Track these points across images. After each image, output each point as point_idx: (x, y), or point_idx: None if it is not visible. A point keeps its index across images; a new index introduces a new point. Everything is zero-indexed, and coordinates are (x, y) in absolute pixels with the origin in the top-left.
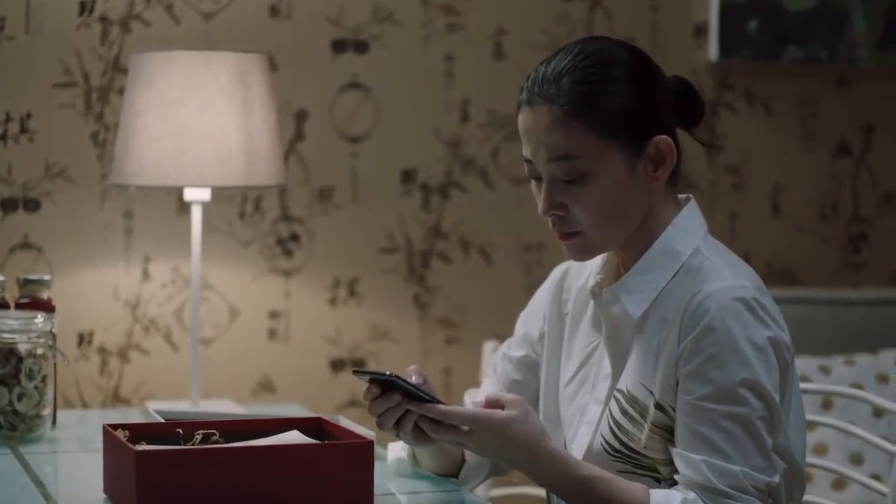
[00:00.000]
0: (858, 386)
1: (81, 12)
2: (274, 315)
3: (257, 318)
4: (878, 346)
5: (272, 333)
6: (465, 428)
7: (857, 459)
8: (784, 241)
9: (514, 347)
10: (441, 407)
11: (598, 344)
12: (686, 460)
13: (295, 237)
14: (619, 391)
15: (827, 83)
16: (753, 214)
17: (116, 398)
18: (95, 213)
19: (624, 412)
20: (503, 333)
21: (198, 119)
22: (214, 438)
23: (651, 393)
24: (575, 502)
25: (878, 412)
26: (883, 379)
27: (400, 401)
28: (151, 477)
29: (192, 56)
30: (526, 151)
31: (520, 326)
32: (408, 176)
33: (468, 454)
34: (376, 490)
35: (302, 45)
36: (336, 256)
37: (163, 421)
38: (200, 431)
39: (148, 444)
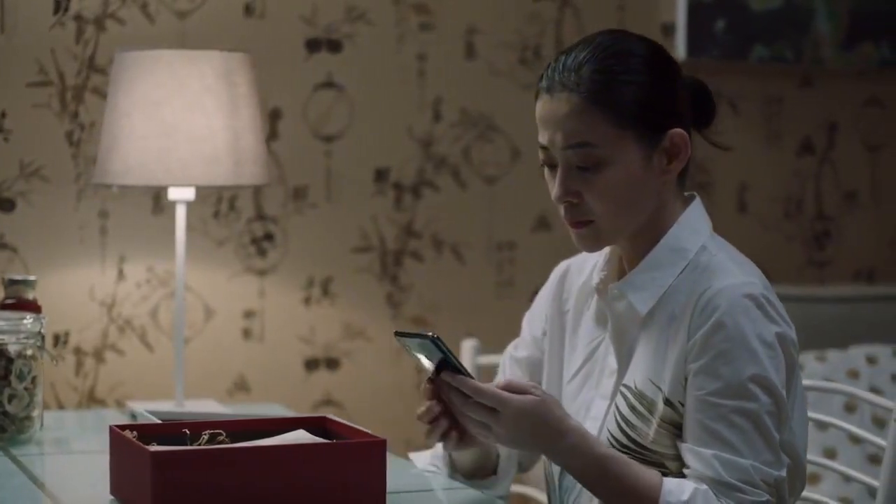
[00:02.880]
0: (830, 381)
1: (56, 11)
2: (249, 314)
3: (232, 317)
4: (846, 343)
5: (247, 333)
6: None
7: (830, 453)
8: (750, 238)
9: (520, 348)
10: (474, 382)
11: (602, 340)
12: (696, 455)
13: (269, 236)
14: (626, 387)
15: (792, 82)
16: (720, 212)
17: (92, 399)
18: (71, 212)
19: (632, 408)
20: (476, 332)
21: (184, 118)
22: (221, 438)
23: (659, 389)
24: (590, 481)
25: (849, 407)
26: (854, 374)
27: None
28: (167, 478)
29: (178, 55)
30: (542, 138)
31: (524, 327)
32: (381, 175)
33: (501, 449)
34: (388, 488)
35: (276, 44)
36: (310, 256)
37: (158, 421)
38: (207, 431)
39: (158, 444)
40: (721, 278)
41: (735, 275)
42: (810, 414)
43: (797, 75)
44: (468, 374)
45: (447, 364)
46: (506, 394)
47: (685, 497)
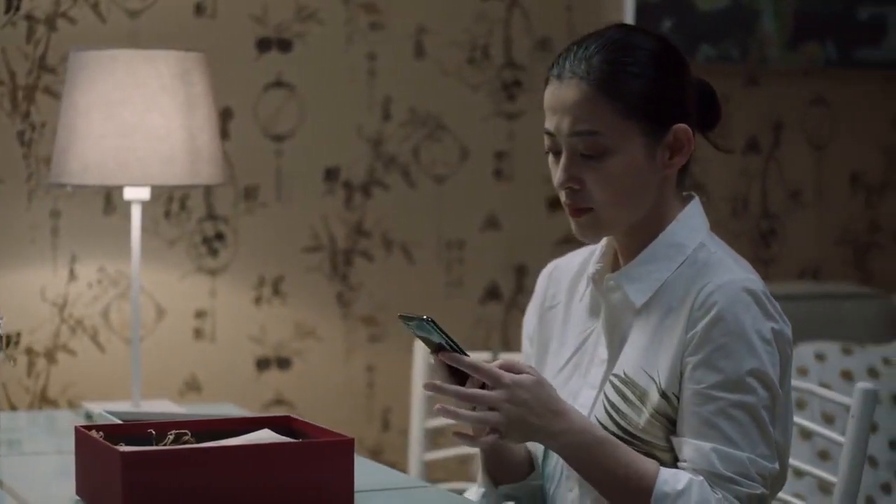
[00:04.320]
0: None
1: (7, 10)
2: (200, 314)
3: (183, 317)
4: (793, 340)
5: (198, 333)
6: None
7: None
8: None
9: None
10: (470, 359)
11: (594, 330)
12: (694, 447)
13: (220, 236)
14: (616, 376)
15: (738, 82)
16: None
17: (44, 400)
18: (22, 212)
19: (622, 396)
20: None
21: (141, 118)
22: (186, 438)
23: (653, 379)
24: (584, 463)
25: (800, 403)
26: (803, 371)
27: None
28: (138, 478)
29: (135, 55)
30: (549, 124)
31: (523, 337)
32: (331, 174)
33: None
34: (356, 487)
35: (227, 43)
36: (261, 255)
37: (118, 422)
38: (173, 432)
39: (125, 445)
40: (721, 274)
41: (734, 271)
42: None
43: (743, 75)
44: (465, 354)
45: (445, 346)
46: (502, 371)
47: (680, 486)
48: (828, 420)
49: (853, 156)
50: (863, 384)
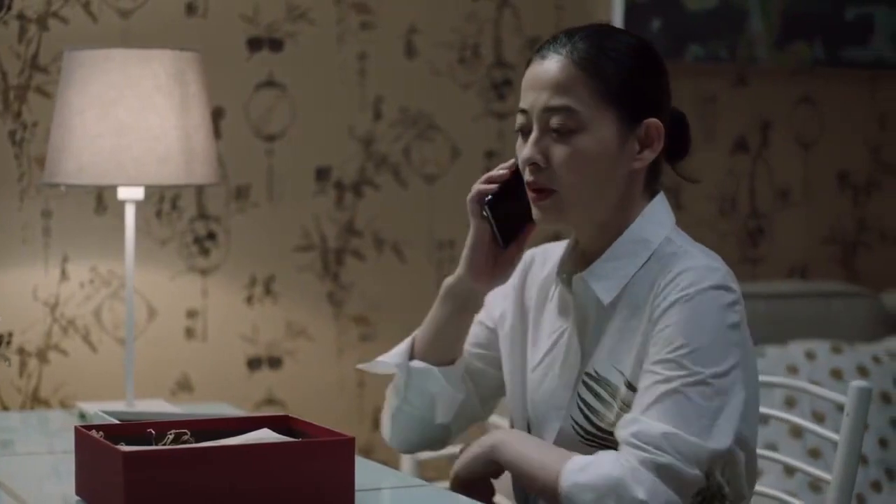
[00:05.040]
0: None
1: None
2: (191, 314)
3: (175, 317)
4: (781, 339)
5: (189, 332)
6: None
7: (771, 448)
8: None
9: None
10: None
11: (566, 330)
12: (623, 419)
13: (212, 236)
14: (588, 374)
15: (726, 81)
16: None
17: (36, 400)
18: (14, 212)
19: (596, 395)
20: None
21: (137, 118)
22: (186, 438)
23: (622, 374)
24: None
25: (789, 402)
26: (793, 370)
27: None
28: (141, 478)
29: (130, 54)
30: (524, 102)
31: (486, 302)
32: (322, 174)
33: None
34: (357, 486)
35: (218, 42)
36: (252, 255)
37: (116, 422)
38: (172, 431)
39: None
40: (684, 262)
41: (698, 259)
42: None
43: (732, 74)
44: None
45: None
46: None
47: (590, 459)
48: (818, 418)
49: (841, 155)
50: (857, 382)
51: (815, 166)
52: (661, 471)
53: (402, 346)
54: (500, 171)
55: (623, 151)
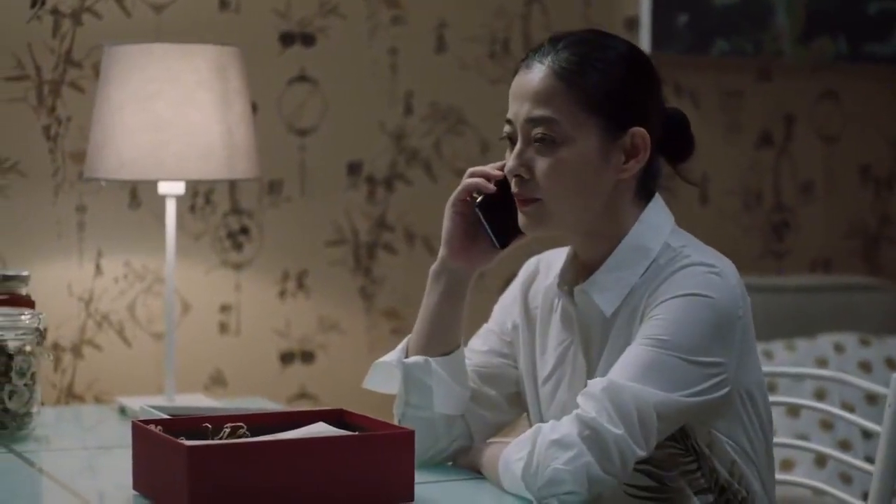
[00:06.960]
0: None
1: (33, 5)
2: (225, 309)
3: (208, 311)
4: (804, 332)
5: (223, 327)
6: None
7: (802, 439)
8: (711, 230)
9: (483, 339)
10: None
11: (572, 342)
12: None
13: (245, 230)
14: None
15: (751, 76)
16: (682, 205)
17: (71, 395)
18: (48, 207)
19: None
20: None
21: (178, 113)
22: (242, 432)
23: None
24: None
25: (819, 394)
26: (822, 362)
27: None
28: (204, 472)
29: (171, 49)
30: (510, 111)
31: (496, 314)
32: (353, 168)
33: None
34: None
35: (250, 37)
36: (285, 249)
37: (164, 417)
38: (228, 425)
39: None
40: (677, 262)
41: (692, 257)
42: (784, 399)
43: (756, 69)
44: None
45: None
46: None
47: (529, 433)
48: (848, 409)
49: (863, 149)
50: None
51: (837, 160)
52: (583, 420)
53: (398, 348)
54: (494, 171)
55: (607, 161)
